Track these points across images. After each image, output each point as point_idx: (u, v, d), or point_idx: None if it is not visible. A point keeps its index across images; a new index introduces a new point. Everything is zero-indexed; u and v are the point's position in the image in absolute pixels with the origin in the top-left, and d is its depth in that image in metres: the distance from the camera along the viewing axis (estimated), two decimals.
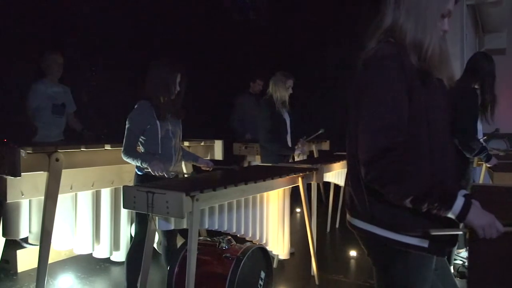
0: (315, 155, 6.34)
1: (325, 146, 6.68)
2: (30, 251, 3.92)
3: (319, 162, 4.11)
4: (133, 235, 3.49)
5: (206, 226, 2.62)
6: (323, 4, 7.02)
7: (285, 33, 7.35)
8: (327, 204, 5.63)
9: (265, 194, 3.18)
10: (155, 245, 3.59)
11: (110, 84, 5.39)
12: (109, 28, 5.21)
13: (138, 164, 2.99)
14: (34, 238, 3.51)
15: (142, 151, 3.12)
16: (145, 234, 2.76)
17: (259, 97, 5.88)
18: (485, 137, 4.24)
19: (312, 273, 3.83)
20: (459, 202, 1.44)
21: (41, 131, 4.29)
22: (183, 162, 3.39)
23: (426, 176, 1.48)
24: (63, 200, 3.52)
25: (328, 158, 4.64)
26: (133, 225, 3.68)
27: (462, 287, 3.34)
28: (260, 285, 3.05)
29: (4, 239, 3.51)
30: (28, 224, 3.49)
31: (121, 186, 2.61)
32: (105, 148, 3.58)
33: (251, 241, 3.16)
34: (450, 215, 1.46)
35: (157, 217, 2.48)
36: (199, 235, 2.91)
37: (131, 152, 3.01)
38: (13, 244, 3.81)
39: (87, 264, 4.09)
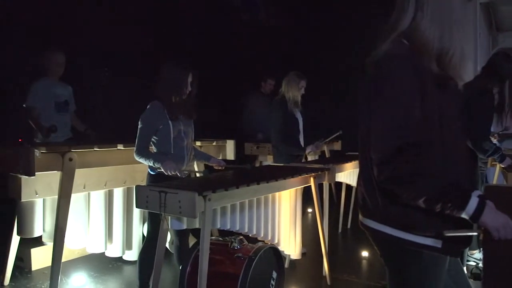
0: (327, 155, 6.32)
1: (337, 146, 6.66)
2: (44, 250, 3.96)
3: (331, 162, 4.10)
4: (145, 234, 3.51)
5: (218, 226, 2.63)
6: (335, 4, 6.99)
7: (297, 33, 7.34)
8: (339, 204, 5.61)
9: (277, 194, 3.18)
10: (167, 245, 3.60)
11: (123, 84, 5.43)
12: (121, 29, 5.24)
13: (151, 164, 3.01)
14: (47, 236, 3.55)
15: (155, 151, 3.14)
16: (157, 233, 2.77)
17: (270, 97, 5.88)
18: (498, 138, 4.20)
19: (323, 273, 3.82)
20: (473, 202, 1.43)
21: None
22: (195, 161, 3.40)
23: (439, 176, 1.47)
24: (76, 199, 3.55)
25: (340, 158, 4.63)
26: (146, 225, 3.70)
27: None
28: (272, 285, 3.05)
29: (18, 237, 3.56)
30: (42, 223, 3.53)
31: (134, 186, 2.63)
32: (118, 148, 3.60)
33: (263, 241, 3.16)
34: (464, 215, 1.45)
35: (169, 217, 2.50)
36: (211, 235, 2.92)
37: (143, 152, 3.03)
38: (28, 242, 3.85)
39: (100, 263, 4.12)
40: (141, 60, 5.36)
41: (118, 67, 5.36)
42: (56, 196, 3.30)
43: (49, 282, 3.31)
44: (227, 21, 6.65)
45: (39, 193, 3.31)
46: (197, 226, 2.47)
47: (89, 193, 3.66)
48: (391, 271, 1.67)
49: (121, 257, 3.97)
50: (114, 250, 3.86)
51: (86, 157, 3.40)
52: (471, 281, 3.45)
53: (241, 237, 3.09)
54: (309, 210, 6.14)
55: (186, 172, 3.10)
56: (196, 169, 3.73)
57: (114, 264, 4.14)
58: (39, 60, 4.26)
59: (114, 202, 3.82)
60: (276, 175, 3.03)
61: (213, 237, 3.18)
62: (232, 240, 3.05)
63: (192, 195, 2.27)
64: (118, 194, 3.83)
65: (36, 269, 3.96)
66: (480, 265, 3.77)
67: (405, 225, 1.55)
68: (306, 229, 4.49)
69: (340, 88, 6.73)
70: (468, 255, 3.88)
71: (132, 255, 3.99)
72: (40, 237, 3.60)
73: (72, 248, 3.88)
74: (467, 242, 1.61)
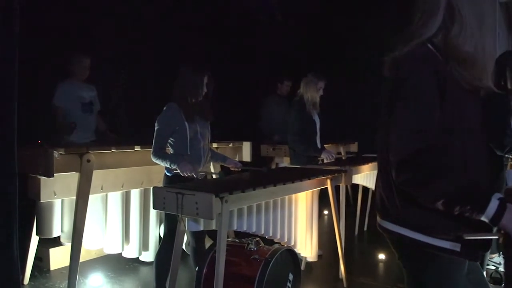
0: (343, 157, 6.29)
1: (354, 148, 6.63)
2: (63, 250, 4.01)
3: (348, 164, 4.07)
4: (162, 235, 3.53)
5: (235, 228, 2.63)
6: (352, 4, 6.95)
7: (313, 33, 7.31)
8: (356, 206, 5.57)
9: (293, 196, 3.17)
10: (183, 246, 3.62)
11: (140, 86, 5.47)
12: (141, 31, 5.28)
13: (167, 165, 3.02)
14: (66, 237, 3.59)
15: (171, 152, 3.15)
16: (174, 235, 2.78)
17: (287, 98, 5.86)
18: None
19: (340, 276, 3.80)
20: (493, 205, 1.40)
21: (74, 131, 4.32)
22: (211, 163, 3.41)
23: (458, 179, 1.45)
24: (94, 200, 3.58)
25: (357, 160, 4.59)
26: (162, 226, 3.72)
27: None
28: (288, 287, 3.04)
29: (37, 237, 3.61)
30: (60, 223, 3.58)
31: (150, 187, 2.65)
32: (135, 149, 3.63)
33: (279, 243, 3.15)
34: (483, 218, 1.42)
35: (186, 218, 2.50)
36: (227, 237, 2.92)
37: (160, 153, 3.05)
38: (46, 242, 3.90)
39: (117, 264, 4.16)
40: (159, 62, 5.39)
41: (136, 69, 5.39)
42: (74, 197, 3.34)
43: (67, 281, 3.35)
44: (244, 22, 6.64)
45: (57, 194, 3.35)
46: (213, 227, 2.47)
47: (106, 194, 3.70)
48: (409, 273, 1.65)
49: (138, 258, 4.00)
50: (131, 251, 3.89)
51: (103, 159, 3.43)
52: (491, 285, 3.41)
53: (258, 238, 3.09)
54: (325, 212, 6.11)
55: (203, 173, 3.11)
56: (212, 170, 3.73)
57: (131, 265, 4.17)
58: (64, 62, 4.33)
59: (131, 203, 3.85)
60: (292, 177, 3.02)
61: (229, 239, 3.18)
62: (249, 241, 3.04)
63: (209, 196, 2.28)
64: (135, 195, 3.86)
65: (54, 268, 4.02)
66: (500, 269, 3.71)
67: (423, 227, 1.53)
68: (322, 231, 4.48)
69: (357, 88, 6.68)
70: (488, 259, 3.82)
71: (149, 256, 4.02)
72: (59, 237, 3.64)
73: (89, 249, 3.92)
74: (486, 247, 1.58)
